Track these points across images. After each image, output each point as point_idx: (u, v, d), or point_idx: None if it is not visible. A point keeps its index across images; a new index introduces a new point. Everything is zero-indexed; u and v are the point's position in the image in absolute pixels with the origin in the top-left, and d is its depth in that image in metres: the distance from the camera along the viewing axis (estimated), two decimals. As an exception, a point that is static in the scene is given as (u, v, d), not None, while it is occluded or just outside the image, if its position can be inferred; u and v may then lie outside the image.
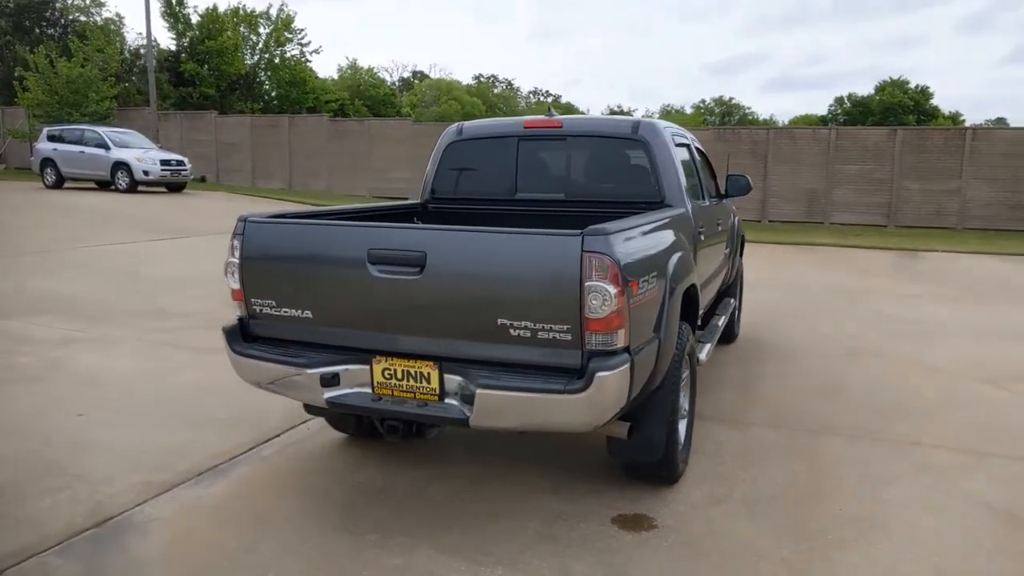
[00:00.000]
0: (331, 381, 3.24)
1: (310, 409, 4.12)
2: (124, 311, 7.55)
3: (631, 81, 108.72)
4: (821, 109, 65.66)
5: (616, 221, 3.17)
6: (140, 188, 20.38)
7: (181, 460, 4.09)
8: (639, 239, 3.28)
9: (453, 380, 3.10)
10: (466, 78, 69.81)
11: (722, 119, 67.86)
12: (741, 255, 7.11)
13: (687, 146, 5.09)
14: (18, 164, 28.03)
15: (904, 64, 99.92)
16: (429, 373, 3.13)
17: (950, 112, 54.27)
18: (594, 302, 2.83)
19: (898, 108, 49.24)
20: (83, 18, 32.88)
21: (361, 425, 4.26)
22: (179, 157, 21.48)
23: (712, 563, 3.16)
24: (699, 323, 4.50)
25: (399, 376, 3.18)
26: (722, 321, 5.53)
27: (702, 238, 4.58)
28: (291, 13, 36.66)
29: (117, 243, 12.20)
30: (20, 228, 13.36)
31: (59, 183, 20.97)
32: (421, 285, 3.05)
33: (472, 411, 2.99)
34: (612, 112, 71.54)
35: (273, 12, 36.31)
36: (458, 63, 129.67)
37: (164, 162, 20.62)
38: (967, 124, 43.56)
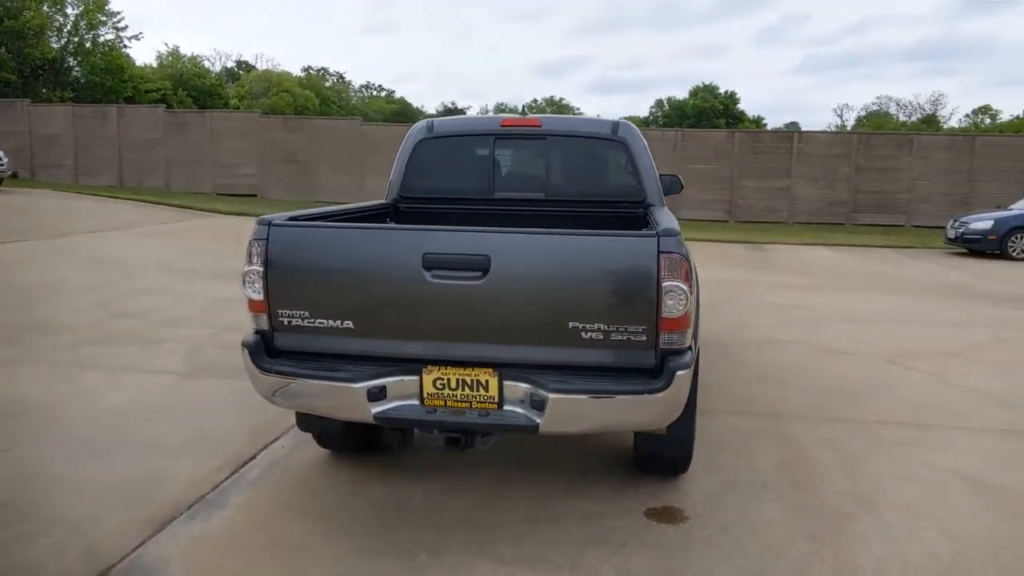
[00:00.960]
0: (378, 395, 3.03)
1: (306, 426, 3.83)
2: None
3: (463, 79, 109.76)
4: (643, 111, 69.91)
5: (664, 222, 3.21)
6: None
7: (157, 492, 3.66)
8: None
9: (515, 387, 3.00)
10: (295, 70, 66.96)
11: (554, 119, 70.16)
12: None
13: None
14: None
15: (712, 70, 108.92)
16: (487, 381, 3.01)
17: (754, 116, 59.49)
18: (670, 302, 2.86)
19: (710, 112, 53.32)
20: None
21: (350, 441, 4.02)
22: (-8, 150, 18.97)
23: (758, 547, 3.30)
24: None
25: (453, 385, 3.04)
26: None
27: None
28: (103, -7, 33.41)
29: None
30: None
31: None
32: (483, 290, 2.93)
33: (543, 417, 2.92)
34: (448, 109, 71.75)
35: (82, -9, 32.90)
36: (285, 54, 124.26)
37: (-26, 156, 18.13)
38: (769, 127, 48.18)
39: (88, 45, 33.63)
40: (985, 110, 63.77)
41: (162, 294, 8.54)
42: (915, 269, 13.59)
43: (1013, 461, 4.37)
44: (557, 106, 76.82)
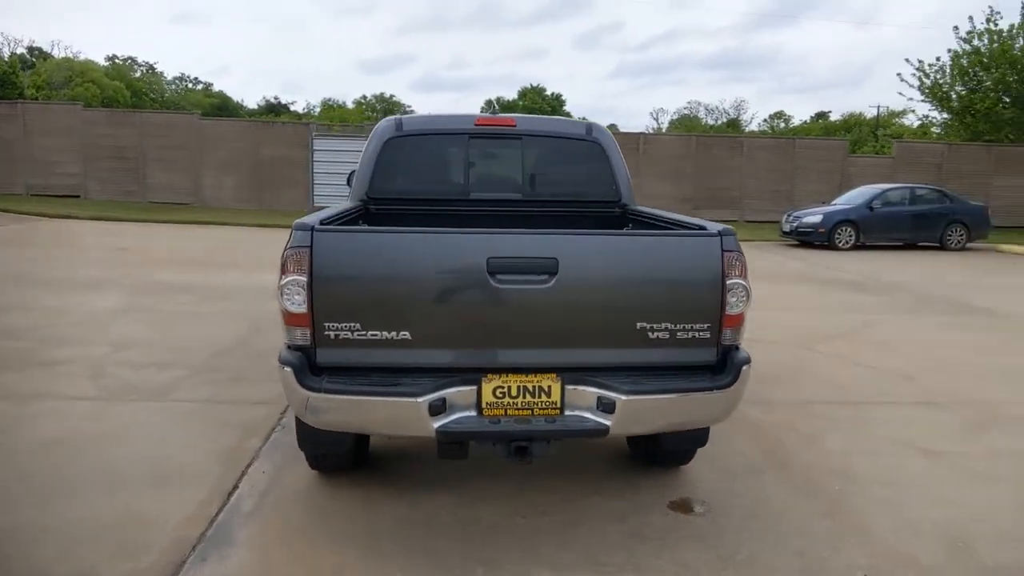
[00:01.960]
0: (440, 409, 2.87)
1: (312, 446, 3.56)
2: None
3: (284, 73, 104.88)
4: (472, 110, 70.60)
5: (697, 220, 3.30)
6: None
7: (150, 534, 3.25)
8: None
9: (578, 391, 2.96)
10: (99, 59, 61.13)
11: (386, 116, 69.02)
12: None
13: None
14: None
15: (534, 72, 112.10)
16: (550, 386, 2.95)
17: (580, 118, 62.10)
18: (732, 299, 2.95)
19: (539, 112, 54.97)
20: None
21: (348, 460, 3.78)
22: None
23: (785, 528, 3.48)
24: None
25: (513, 393, 2.94)
26: None
27: None
28: None
29: None
30: None
31: None
32: (550, 294, 2.86)
33: (613, 419, 2.90)
34: (271, 105, 68.47)
35: None
36: (86, 42, 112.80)
37: None
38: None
39: None
40: (779, 115, 70.91)
41: (29, 310, 7.51)
42: (765, 260, 14.85)
43: (942, 428, 4.92)
44: (388, 103, 75.70)
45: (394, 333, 2.85)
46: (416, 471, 4.00)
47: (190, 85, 70.59)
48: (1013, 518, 3.66)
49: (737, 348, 3.05)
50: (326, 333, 2.83)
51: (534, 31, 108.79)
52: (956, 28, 25.53)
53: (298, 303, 2.80)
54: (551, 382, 2.95)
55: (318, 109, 66.82)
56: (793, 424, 4.90)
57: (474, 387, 2.92)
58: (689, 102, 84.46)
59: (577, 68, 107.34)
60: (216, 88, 71.78)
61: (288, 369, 2.81)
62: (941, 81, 26.42)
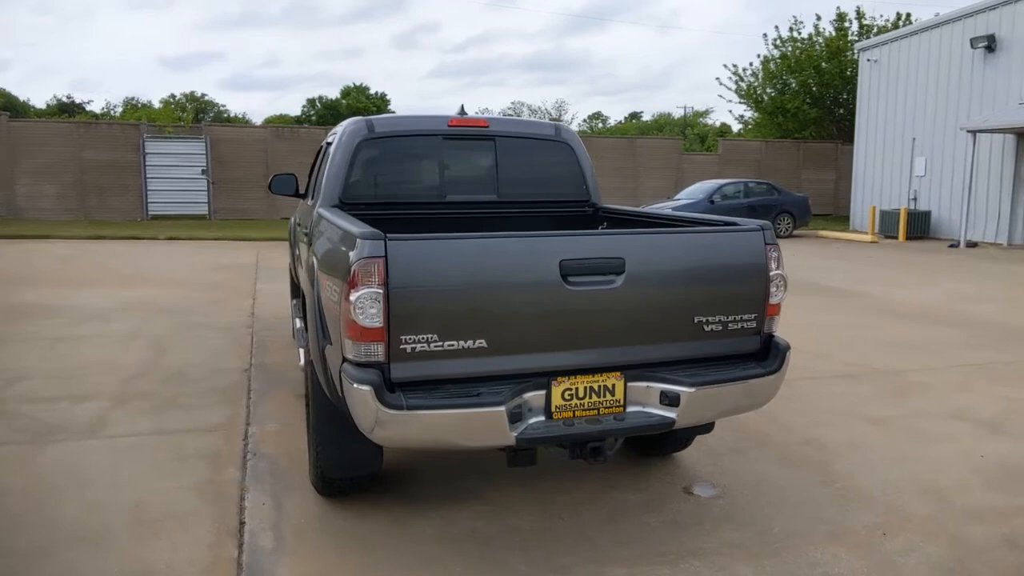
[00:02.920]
0: (518, 415, 2.81)
1: (337, 469, 3.35)
2: None
3: (74, 70, 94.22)
4: (285, 108, 67.72)
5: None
6: None
7: (177, 587, 2.90)
8: None
9: (641, 387, 3.01)
10: None
11: (196, 115, 64.82)
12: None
13: None
14: None
15: (353, 72, 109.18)
16: (614, 385, 2.98)
17: (550, 119, 61.62)
18: (774, 289, 3.13)
19: (363, 112, 53.95)
20: None
21: (367, 481, 3.60)
22: None
23: (795, 499, 3.74)
24: None
25: (581, 394, 2.94)
26: None
27: None
28: None
29: None
30: None
31: None
32: (618, 294, 2.89)
33: (678, 412, 2.99)
34: (62, 104, 61.87)
35: None
36: None
37: None
38: None
39: None
40: (597, 116, 74.67)
41: None
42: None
43: (872, 398, 5.48)
44: (200, 102, 70.92)
45: (470, 342, 2.75)
46: (423, 486, 3.86)
47: (-40, 78, 62.18)
48: (966, 468, 4.17)
49: (774, 335, 3.25)
50: (402, 347, 2.68)
51: (350, 30, 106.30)
52: (765, 35, 28.28)
53: (372, 316, 2.63)
54: (615, 380, 2.98)
55: (119, 109, 61.27)
56: (747, 404, 5.25)
57: (543, 391, 2.89)
58: (513, 102, 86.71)
59: (396, 67, 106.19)
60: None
61: (367, 388, 2.62)
62: (755, 84, 29.12)
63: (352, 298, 2.62)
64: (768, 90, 28.82)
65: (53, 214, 20.01)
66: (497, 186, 4.57)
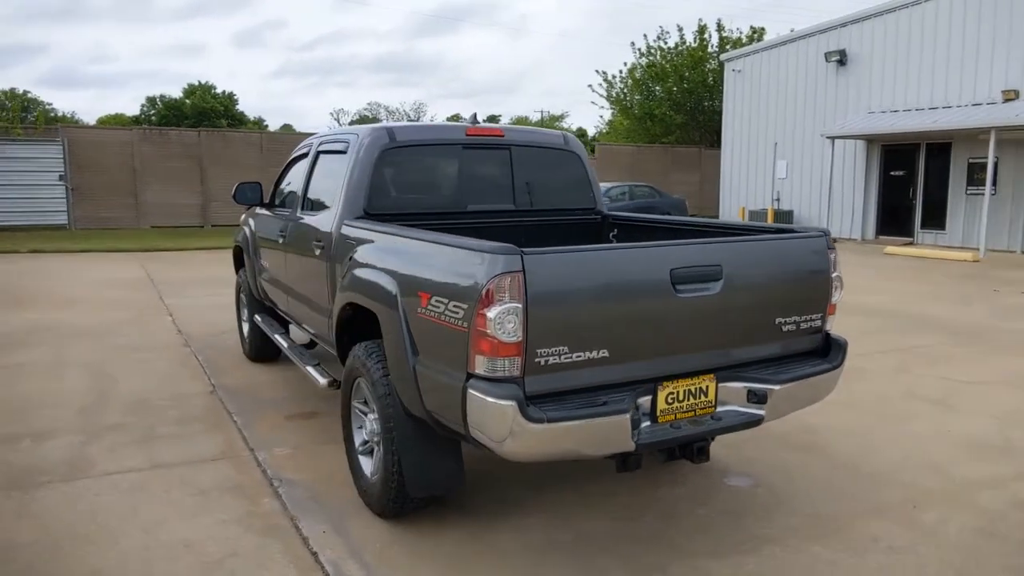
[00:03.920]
0: (637, 422, 2.88)
1: (416, 489, 3.26)
2: None
3: None
4: (123, 108, 62.72)
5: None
6: None
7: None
8: None
9: (730, 387, 3.16)
10: None
11: (22, 116, 58.73)
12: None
13: None
14: None
15: (193, 69, 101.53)
16: (707, 386, 3.11)
17: (255, 118, 59.03)
18: (834, 290, 3.39)
19: (210, 112, 51.37)
20: None
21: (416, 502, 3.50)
22: None
23: (824, 482, 4.03)
24: None
25: (680, 397, 3.05)
26: None
27: None
28: None
29: None
30: None
31: None
32: (717, 299, 3.03)
33: (765, 409, 3.16)
34: None
35: None
36: None
37: None
38: (271, 129, 48.97)
39: None
40: (456, 118, 75.15)
41: None
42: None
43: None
44: (24, 99, 64.22)
45: (595, 352, 2.78)
46: (472, 497, 3.82)
47: None
48: (945, 443, 4.65)
49: (829, 333, 3.51)
50: (536, 360, 2.67)
51: (187, 25, 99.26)
52: (633, 43, 29.67)
53: (511, 331, 2.60)
54: (708, 382, 3.11)
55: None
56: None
57: (650, 396, 2.98)
58: (370, 103, 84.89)
59: (239, 66, 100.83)
60: None
61: (511, 403, 2.58)
62: (624, 91, 30.46)
63: (490, 314, 2.58)
64: (637, 96, 30.23)
65: None
66: (514, 195, 4.59)
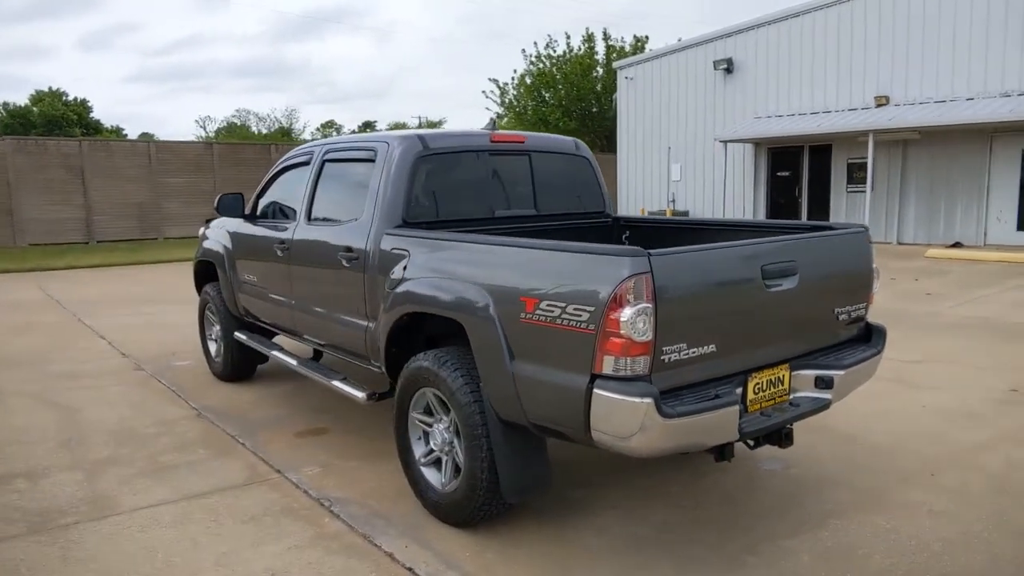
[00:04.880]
0: (741, 412, 3.03)
1: (512, 493, 3.28)
2: None
3: None
4: None
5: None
6: None
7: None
8: None
9: (800, 375, 3.38)
10: None
11: None
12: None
13: None
14: None
15: (33, 73, 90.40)
16: (783, 375, 3.31)
17: (112, 126, 55.46)
18: (875, 282, 3.70)
19: (62, 120, 48.04)
20: None
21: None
22: None
23: (861, 464, 4.28)
24: None
25: (764, 386, 3.23)
26: None
27: None
28: None
29: None
30: None
31: None
32: (794, 292, 3.23)
33: (832, 393, 3.40)
34: None
35: None
36: None
37: None
38: (130, 137, 46.27)
39: None
40: (331, 123, 73.38)
41: None
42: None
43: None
44: None
45: (706, 347, 2.90)
46: (532, 501, 3.86)
47: None
48: (927, 416, 5.11)
49: (868, 321, 3.81)
50: (662, 358, 2.76)
51: (28, 28, 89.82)
52: (524, 50, 30.18)
53: (642, 331, 2.68)
54: (784, 371, 3.31)
55: None
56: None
57: (742, 387, 3.14)
58: (238, 110, 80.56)
59: (87, 71, 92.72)
60: None
61: (648, 400, 2.66)
62: (517, 97, 30.94)
63: (623, 315, 2.65)
64: (530, 103, 30.80)
65: None
66: (535, 200, 4.65)
